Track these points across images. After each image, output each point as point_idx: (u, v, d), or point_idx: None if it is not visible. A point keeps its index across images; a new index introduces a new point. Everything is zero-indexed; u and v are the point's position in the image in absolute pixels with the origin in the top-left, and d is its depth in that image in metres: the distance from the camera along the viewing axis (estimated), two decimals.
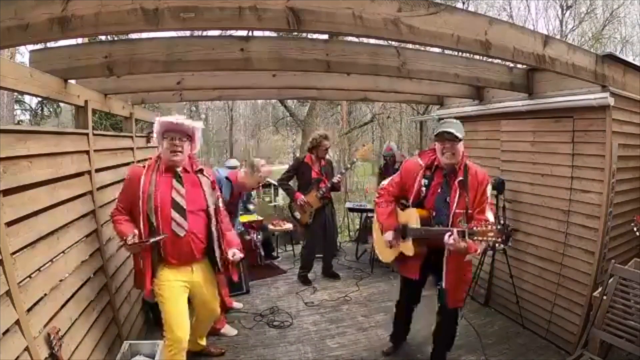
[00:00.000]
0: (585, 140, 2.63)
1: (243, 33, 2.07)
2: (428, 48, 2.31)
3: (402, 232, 2.28)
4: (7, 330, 1.37)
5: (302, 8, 1.41)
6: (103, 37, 3.12)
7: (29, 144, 1.65)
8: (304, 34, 3.21)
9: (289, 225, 5.07)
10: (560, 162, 2.78)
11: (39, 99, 6.85)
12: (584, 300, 2.60)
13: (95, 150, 2.35)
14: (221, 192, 2.46)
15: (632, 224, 2.43)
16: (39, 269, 1.66)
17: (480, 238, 1.94)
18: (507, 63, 2.76)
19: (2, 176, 1.45)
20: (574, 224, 2.71)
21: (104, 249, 2.38)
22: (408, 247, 2.24)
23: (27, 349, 1.46)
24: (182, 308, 2.13)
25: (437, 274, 2.28)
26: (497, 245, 1.98)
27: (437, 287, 2.30)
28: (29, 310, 1.53)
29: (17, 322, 1.43)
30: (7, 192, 1.48)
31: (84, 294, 2.06)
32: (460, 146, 2.14)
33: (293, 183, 4.25)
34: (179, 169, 2.13)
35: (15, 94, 6.27)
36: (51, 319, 1.70)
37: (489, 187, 2.21)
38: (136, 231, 1.99)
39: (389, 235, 2.32)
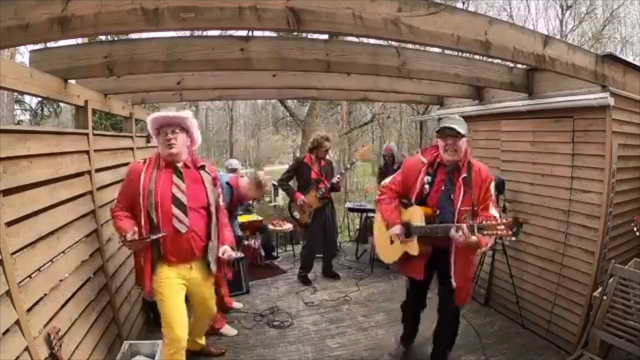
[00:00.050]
0: (585, 140, 2.63)
1: (243, 33, 2.06)
2: (428, 48, 2.31)
3: (405, 230, 2.23)
4: (7, 330, 1.37)
5: (302, 8, 1.41)
6: (103, 37, 3.12)
7: (29, 144, 1.65)
8: (304, 34, 3.21)
9: (289, 226, 5.06)
10: (560, 162, 2.79)
11: (39, 99, 6.84)
12: (584, 300, 2.60)
13: (95, 150, 2.35)
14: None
15: (632, 224, 2.44)
16: (39, 269, 1.66)
17: (490, 232, 1.91)
18: (507, 63, 2.76)
19: (2, 176, 1.45)
20: (574, 224, 2.71)
21: (104, 249, 2.38)
22: (413, 247, 2.19)
23: (27, 349, 1.46)
24: (181, 306, 2.12)
25: (441, 273, 2.26)
26: (508, 238, 1.94)
27: (441, 286, 2.28)
28: (29, 310, 1.53)
29: (17, 322, 1.43)
30: (7, 192, 1.48)
31: (84, 294, 2.06)
32: (463, 142, 2.11)
33: (293, 183, 4.25)
34: (180, 165, 2.11)
35: (15, 94, 6.26)
36: (51, 319, 1.69)
37: (493, 185, 2.19)
38: (136, 228, 1.98)
39: (397, 229, 2.24)
